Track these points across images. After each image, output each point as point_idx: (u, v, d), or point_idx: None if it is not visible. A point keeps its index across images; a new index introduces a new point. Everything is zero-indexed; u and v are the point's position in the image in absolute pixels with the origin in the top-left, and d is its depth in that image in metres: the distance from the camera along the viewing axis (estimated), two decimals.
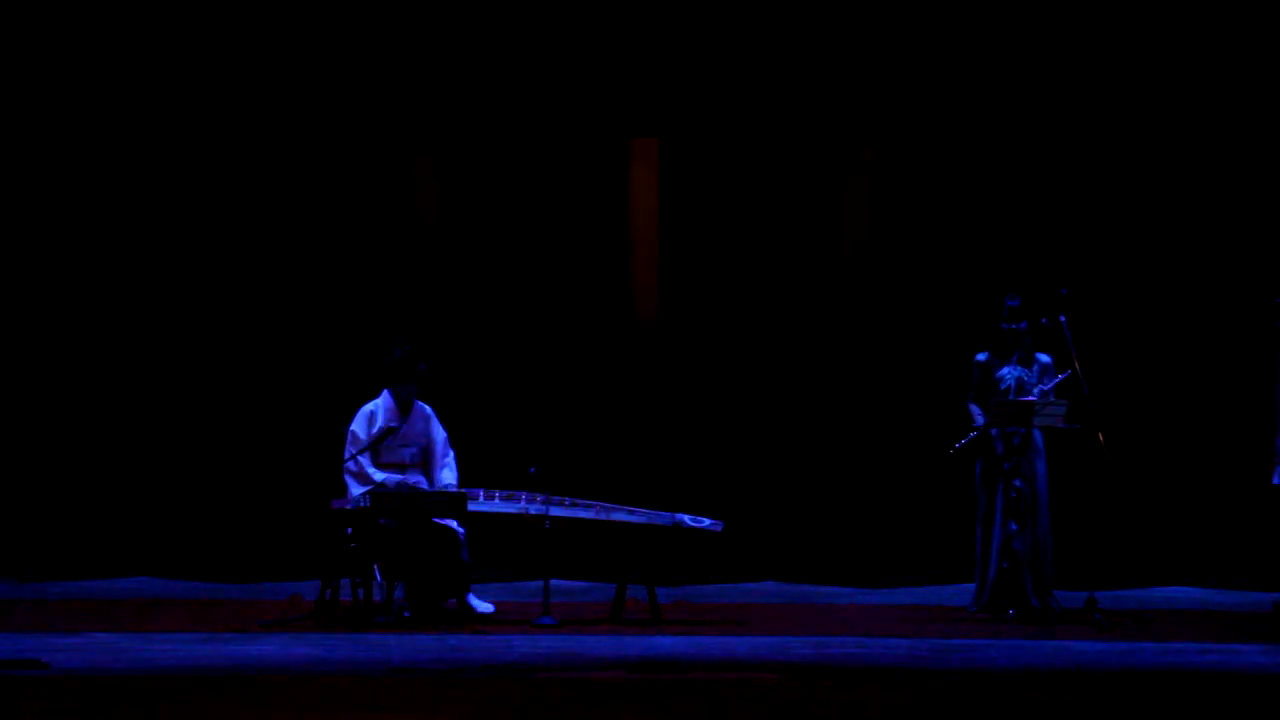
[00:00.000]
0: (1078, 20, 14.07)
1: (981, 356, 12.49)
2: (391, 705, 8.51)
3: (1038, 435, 12.33)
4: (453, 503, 11.74)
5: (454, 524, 11.93)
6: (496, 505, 11.91)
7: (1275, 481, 11.97)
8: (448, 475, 12.16)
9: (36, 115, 14.26)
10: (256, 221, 14.41)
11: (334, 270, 14.44)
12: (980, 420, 12.35)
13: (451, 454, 12.23)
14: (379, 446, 12.00)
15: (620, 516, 11.96)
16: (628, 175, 14.46)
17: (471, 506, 11.78)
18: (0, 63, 14.18)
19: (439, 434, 12.22)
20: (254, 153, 14.38)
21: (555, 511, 11.80)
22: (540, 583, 11.91)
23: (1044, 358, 12.42)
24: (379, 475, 11.96)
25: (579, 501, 11.97)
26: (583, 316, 14.46)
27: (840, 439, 14.40)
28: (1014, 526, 12.22)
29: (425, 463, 12.19)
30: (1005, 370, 12.39)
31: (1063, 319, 12.21)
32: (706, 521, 11.96)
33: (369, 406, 12.13)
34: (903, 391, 14.27)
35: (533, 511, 11.81)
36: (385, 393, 12.16)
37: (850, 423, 14.39)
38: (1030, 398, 12.23)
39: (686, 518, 11.96)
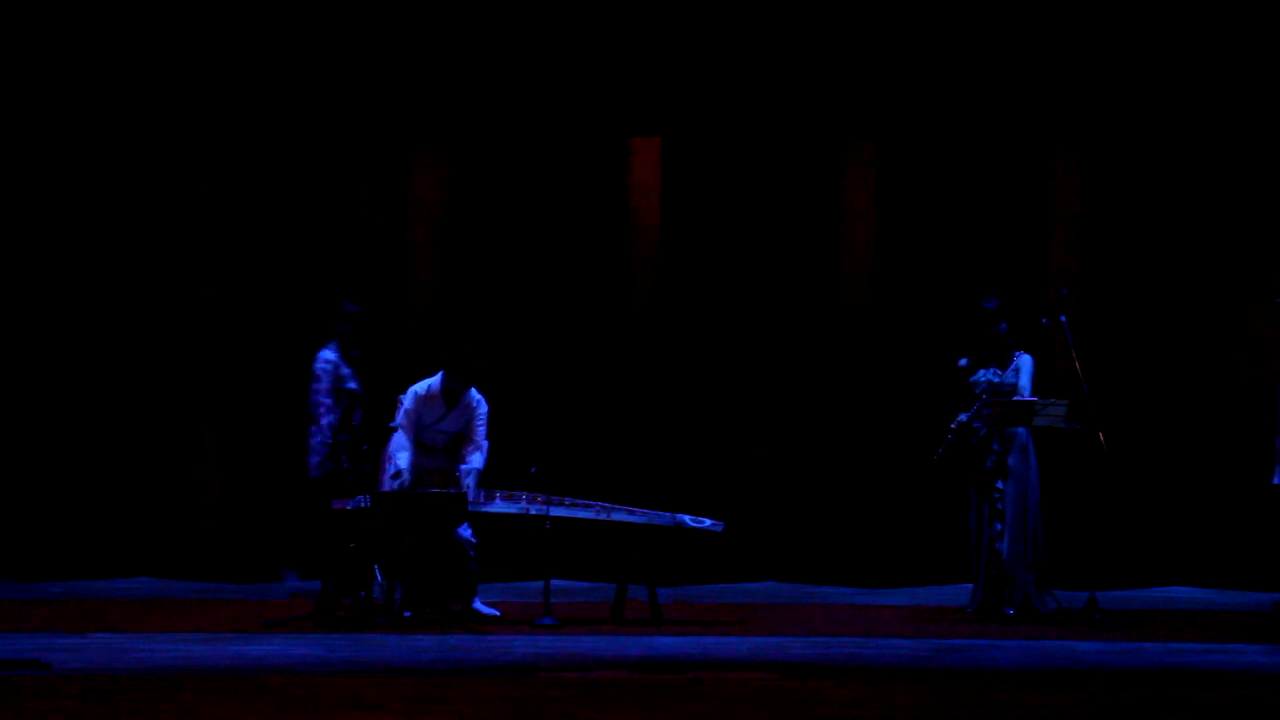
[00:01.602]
0: (1077, 15, 14.07)
1: (963, 362, 12.48)
2: (391, 705, 8.51)
3: (1025, 435, 12.31)
4: (452, 503, 11.74)
5: (465, 529, 11.95)
6: (496, 505, 11.91)
7: (1275, 481, 11.98)
8: (477, 459, 12.11)
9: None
10: (251, 220, 14.41)
11: (333, 268, 14.44)
12: (956, 423, 12.34)
13: (486, 445, 12.22)
14: (422, 428, 12.07)
15: (620, 516, 11.96)
16: (629, 174, 14.47)
17: (472, 507, 11.78)
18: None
19: (479, 427, 12.16)
20: (254, 152, 14.39)
21: (555, 511, 11.80)
22: (540, 583, 11.92)
23: (1024, 357, 12.40)
24: (404, 463, 11.98)
25: (579, 501, 11.97)
26: (584, 316, 14.47)
27: (841, 439, 14.41)
28: (998, 527, 12.23)
29: (456, 447, 12.21)
30: (981, 373, 12.39)
31: (1063, 319, 12.21)
32: (707, 522, 11.97)
33: (422, 385, 12.16)
34: (903, 392, 14.27)
35: (533, 511, 11.81)
36: (440, 375, 12.18)
37: (851, 423, 14.39)
38: (1015, 397, 12.23)
39: (687, 518, 11.97)
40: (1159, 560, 14.34)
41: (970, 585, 12.59)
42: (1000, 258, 14.27)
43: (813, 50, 14.21)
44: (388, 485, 11.96)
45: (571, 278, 14.51)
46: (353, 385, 12.85)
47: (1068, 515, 13.70)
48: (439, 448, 12.19)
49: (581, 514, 11.92)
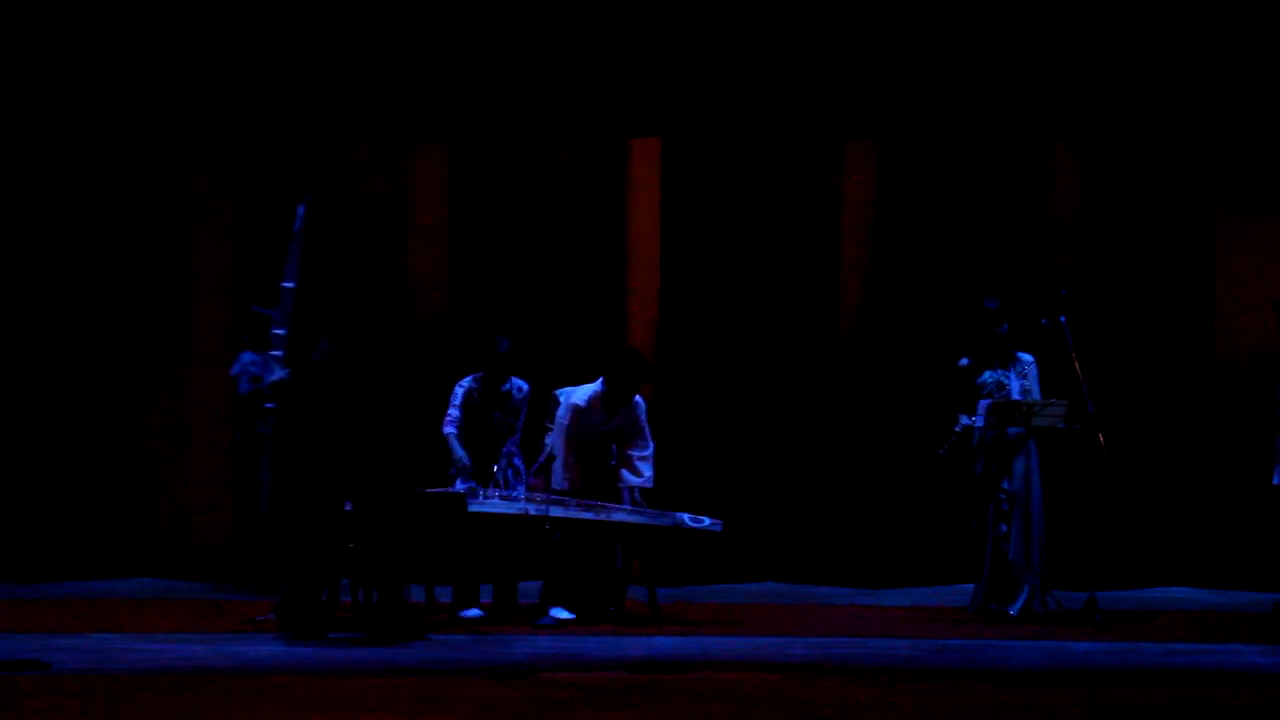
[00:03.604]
0: (1074, 10, 14.06)
1: (964, 362, 12.48)
2: (391, 705, 8.52)
3: (1028, 436, 12.31)
4: (452, 503, 11.74)
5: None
6: (496, 505, 11.91)
7: (1275, 481, 11.98)
8: (646, 468, 12.13)
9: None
10: (255, 220, 14.41)
11: (333, 263, 14.44)
12: (961, 424, 12.34)
13: (652, 444, 12.19)
14: (583, 428, 12.04)
15: (620, 517, 11.96)
16: (627, 175, 14.46)
17: (472, 506, 11.78)
18: None
19: (643, 425, 12.14)
20: (259, 151, 14.39)
21: (555, 511, 11.80)
22: (540, 583, 11.92)
23: (1026, 357, 12.42)
24: (563, 485, 12.02)
25: (578, 501, 11.97)
26: (582, 316, 14.46)
27: (840, 439, 14.40)
28: (1004, 528, 12.23)
29: (620, 444, 12.18)
30: (987, 374, 12.38)
31: (1063, 319, 12.22)
32: (707, 521, 11.97)
33: (581, 397, 12.05)
34: (903, 391, 14.27)
35: (533, 512, 11.81)
36: (601, 384, 12.06)
37: (850, 422, 14.39)
38: (1017, 397, 12.23)
39: (686, 517, 11.97)
40: (1159, 560, 14.34)
41: (970, 585, 12.60)
42: (999, 256, 14.27)
43: (811, 49, 14.21)
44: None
45: (570, 277, 14.50)
46: (279, 374, 12.39)
47: (1068, 515, 13.70)
48: (601, 444, 12.15)
49: (581, 514, 11.91)
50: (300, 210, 11.68)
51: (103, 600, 13.12)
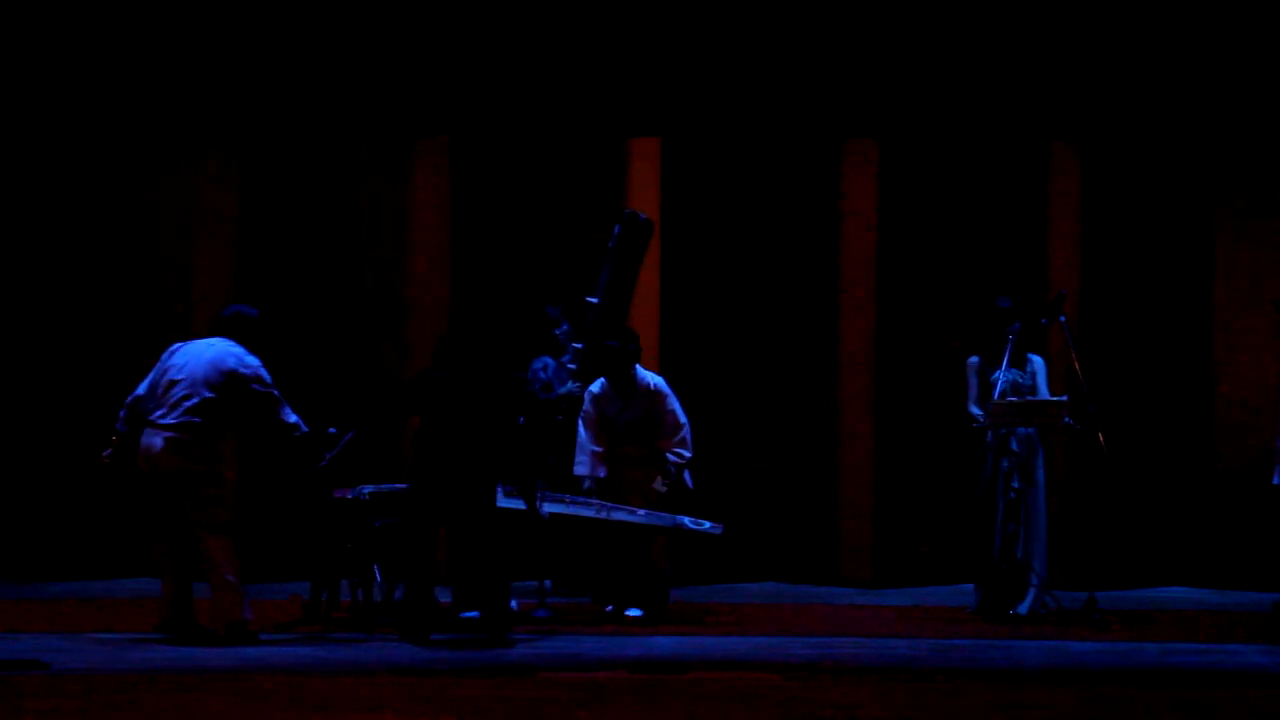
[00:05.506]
0: (1076, 9, 14.07)
1: (974, 360, 12.47)
2: (391, 705, 8.52)
3: (1035, 436, 12.31)
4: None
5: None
6: (499, 502, 11.88)
7: (1275, 481, 11.98)
8: (684, 451, 12.12)
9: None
10: (257, 219, 14.41)
11: (328, 267, 14.43)
12: (980, 423, 12.33)
13: (687, 424, 12.17)
14: (606, 421, 12.08)
15: (620, 516, 11.95)
16: (627, 175, 14.45)
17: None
18: None
19: (670, 409, 12.15)
20: (261, 149, 14.40)
21: (555, 509, 11.78)
22: (535, 583, 11.93)
23: (1036, 359, 12.41)
24: (584, 469, 12.10)
25: (579, 500, 11.96)
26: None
27: (840, 438, 14.39)
28: (1011, 528, 12.22)
29: (647, 430, 12.18)
30: (999, 373, 12.36)
31: (1062, 319, 12.22)
32: (707, 524, 11.96)
33: (595, 384, 12.16)
34: (904, 390, 14.27)
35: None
36: (602, 380, 12.19)
37: (850, 422, 14.38)
38: (1029, 397, 12.23)
39: (687, 519, 11.95)
40: (1159, 560, 14.34)
41: (970, 585, 12.59)
42: (1001, 256, 14.27)
43: (811, 48, 14.21)
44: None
45: (569, 277, 14.49)
46: (570, 387, 12.39)
47: (1068, 515, 13.70)
48: (629, 434, 12.16)
49: (581, 512, 11.91)
50: (617, 229, 11.87)
51: (103, 600, 13.12)
